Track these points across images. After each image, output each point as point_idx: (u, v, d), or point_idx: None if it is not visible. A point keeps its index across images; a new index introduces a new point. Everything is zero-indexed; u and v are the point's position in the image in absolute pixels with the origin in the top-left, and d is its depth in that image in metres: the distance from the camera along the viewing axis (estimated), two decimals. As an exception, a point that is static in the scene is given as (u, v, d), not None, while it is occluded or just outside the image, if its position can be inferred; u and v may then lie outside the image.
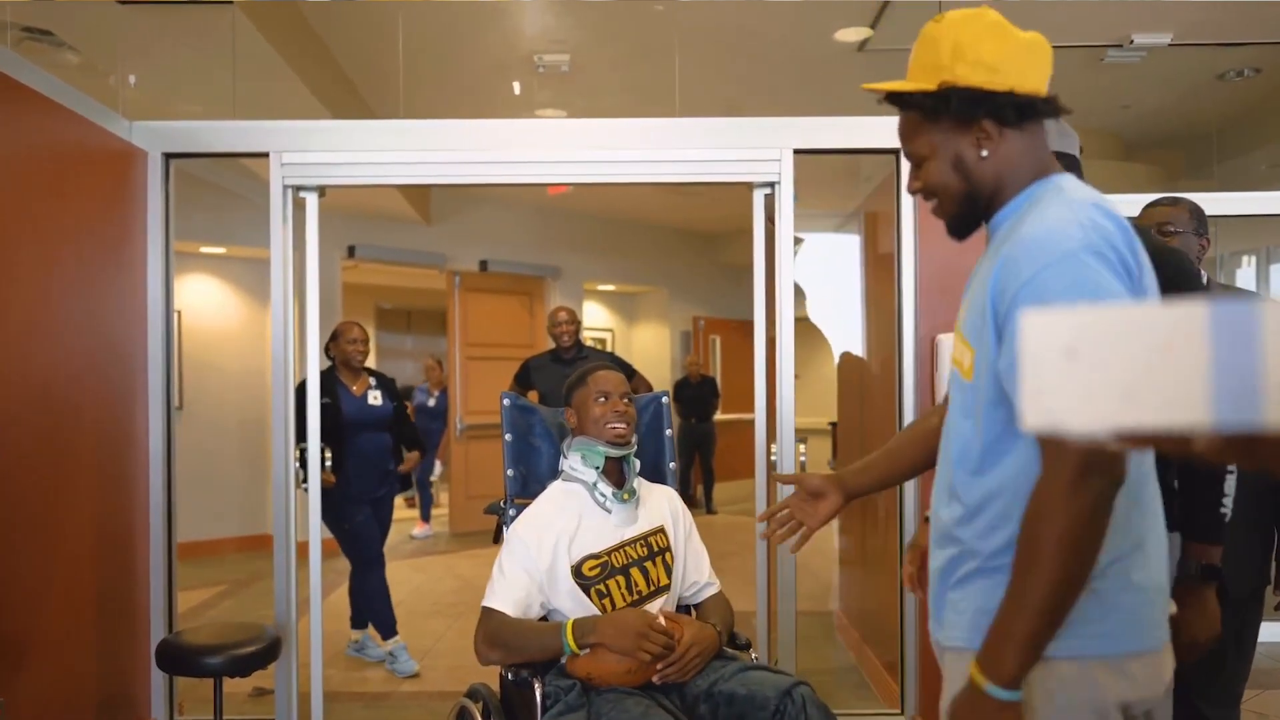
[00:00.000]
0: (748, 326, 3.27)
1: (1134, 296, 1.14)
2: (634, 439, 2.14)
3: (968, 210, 1.28)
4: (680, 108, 4.59)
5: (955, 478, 1.26)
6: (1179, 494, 1.68)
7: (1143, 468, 1.20)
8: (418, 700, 3.72)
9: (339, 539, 4.02)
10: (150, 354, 3.08)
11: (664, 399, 2.48)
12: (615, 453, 2.09)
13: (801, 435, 3.12)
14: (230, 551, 6.31)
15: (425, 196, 7.56)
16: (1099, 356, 0.43)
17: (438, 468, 8.23)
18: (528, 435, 2.36)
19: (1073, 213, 1.15)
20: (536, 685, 1.92)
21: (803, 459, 3.17)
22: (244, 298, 6.73)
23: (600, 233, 9.20)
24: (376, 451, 4.09)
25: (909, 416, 3.05)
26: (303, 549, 3.14)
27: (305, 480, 3.17)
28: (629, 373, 4.55)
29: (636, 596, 2.02)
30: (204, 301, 6.53)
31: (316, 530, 3.15)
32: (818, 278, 4.66)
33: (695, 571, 2.18)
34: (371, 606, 4.07)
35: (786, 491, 1.69)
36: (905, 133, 1.30)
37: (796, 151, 3.09)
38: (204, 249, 6.41)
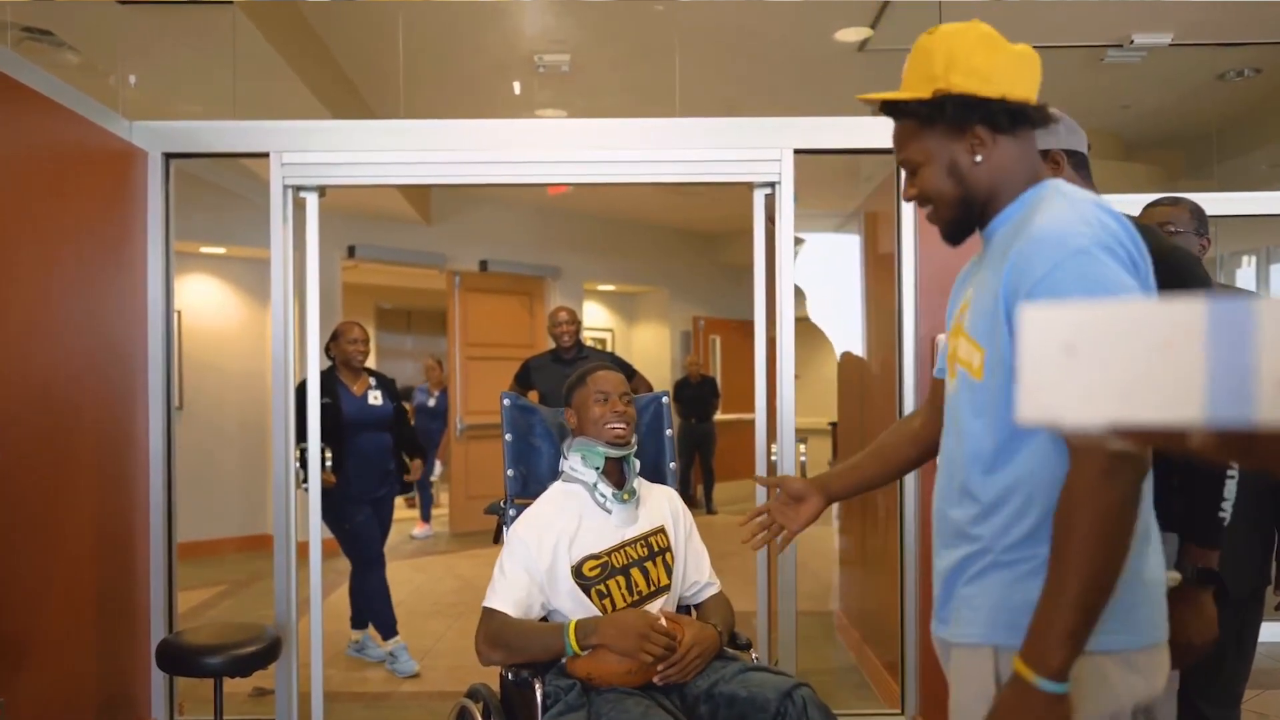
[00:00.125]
0: (748, 326, 3.27)
1: (1144, 291, 1.17)
2: (634, 439, 2.14)
3: (962, 215, 1.31)
4: (680, 108, 4.59)
5: (969, 477, 1.27)
6: (1179, 495, 1.68)
7: None
8: (418, 700, 3.72)
9: (339, 539, 4.02)
10: (150, 354, 3.08)
11: (664, 399, 2.48)
12: (615, 453, 2.09)
13: (802, 435, 3.12)
14: (230, 551, 6.31)
15: (425, 196, 7.56)
16: (1097, 353, 0.44)
17: (438, 468, 8.23)
18: (528, 435, 2.36)
19: (1078, 212, 1.18)
20: (537, 685, 1.91)
21: (803, 459, 3.17)
22: (244, 298, 6.73)
23: (600, 233, 9.20)
24: (377, 451, 4.09)
25: (909, 416, 3.05)
26: (303, 549, 3.14)
27: (305, 480, 3.17)
28: (629, 373, 4.55)
29: (637, 597, 2.02)
30: (204, 302, 6.53)
31: (317, 530, 3.15)
32: (818, 278, 4.67)
33: (696, 571, 2.18)
34: (372, 606, 4.07)
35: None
36: (900, 141, 1.33)
37: (797, 151, 3.09)
38: (204, 249, 6.41)
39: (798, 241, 3.16)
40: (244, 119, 3.33)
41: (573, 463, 2.12)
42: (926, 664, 3.04)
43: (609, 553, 2.03)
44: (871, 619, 4.01)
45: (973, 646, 1.26)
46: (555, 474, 2.25)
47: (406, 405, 5.17)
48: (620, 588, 2.01)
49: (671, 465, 2.43)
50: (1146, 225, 1.72)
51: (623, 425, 2.09)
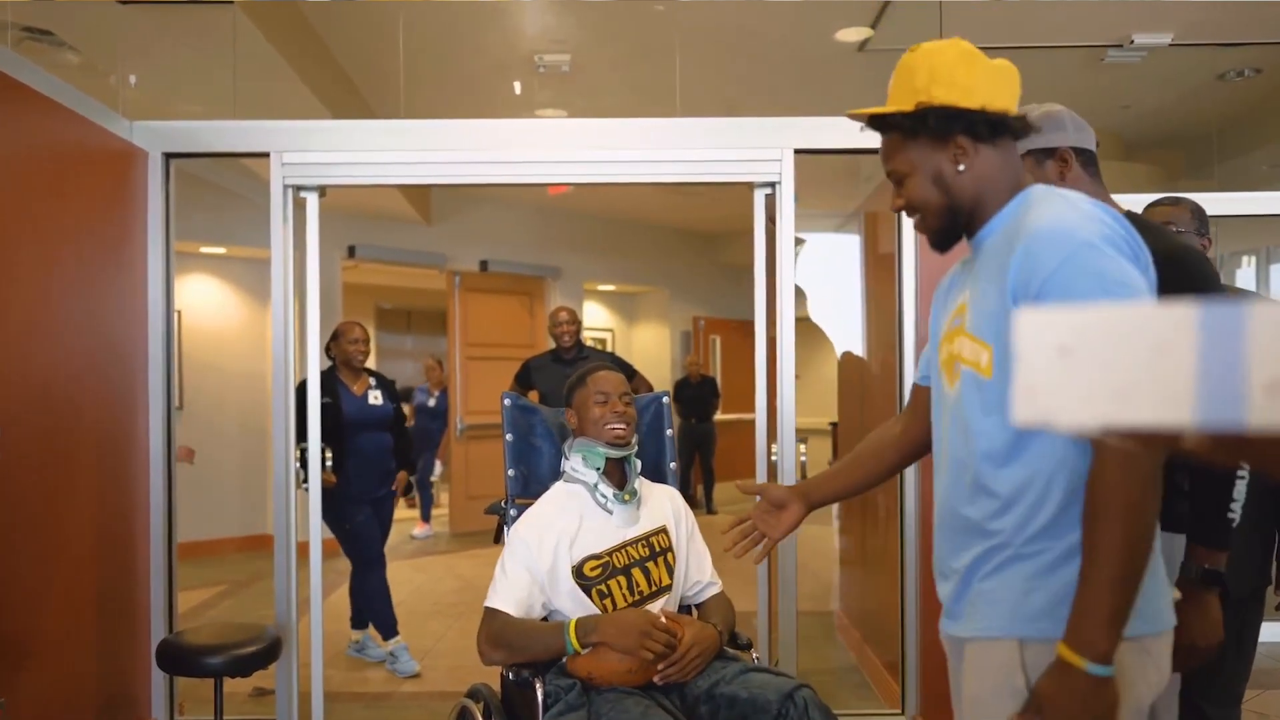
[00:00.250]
0: (748, 326, 3.27)
1: (1148, 283, 1.21)
2: (635, 439, 2.14)
3: (949, 224, 1.36)
4: (681, 108, 4.59)
5: (983, 473, 1.29)
6: (1188, 497, 1.68)
7: None
8: (418, 700, 3.72)
9: (339, 539, 4.02)
10: (151, 354, 3.07)
11: (664, 399, 2.48)
12: (615, 453, 2.09)
13: (802, 435, 3.12)
14: (230, 551, 6.31)
15: (425, 196, 7.56)
16: (1092, 355, 0.44)
17: (438, 468, 8.23)
18: (529, 435, 2.36)
19: (1079, 209, 1.23)
20: (537, 685, 1.91)
21: (803, 459, 3.17)
22: (244, 298, 6.73)
23: (600, 233, 9.20)
24: (377, 451, 4.09)
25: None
26: (303, 549, 3.14)
27: (306, 480, 3.16)
28: (629, 373, 4.55)
29: (638, 597, 2.02)
30: (204, 301, 6.53)
31: (317, 530, 3.15)
32: (818, 278, 4.67)
33: (697, 571, 2.18)
34: (372, 607, 4.07)
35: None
36: (887, 154, 1.38)
37: (797, 151, 3.09)
38: (204, 249, 6.41)
39: (798, 242, 3.16)
40: (244, 119, 3.33)
41: (574, 463, 2.12)
42: (927, 664, 3.03)
43: (610, 553, 2.03)
44: (872, 619, 4.01)
45: (993, 640, 1.28)
46: (556, 474, 2.25)
47: (406, 406, 5.17)
48: (621, 588, 2.01)
49: (672, 465, 2.43)
50: (1152, 224, 1.72)
51: (623, 426, 2.09)
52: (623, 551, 2.05)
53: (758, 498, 1.71)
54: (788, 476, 3.04)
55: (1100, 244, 1.17)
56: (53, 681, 2.57)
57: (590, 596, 1.99)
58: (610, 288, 10.27)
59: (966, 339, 1.30)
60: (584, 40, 4.84)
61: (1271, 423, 0.40)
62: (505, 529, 2.24)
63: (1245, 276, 5.83)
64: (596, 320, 10.30)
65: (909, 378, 3.08)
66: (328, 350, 4.07)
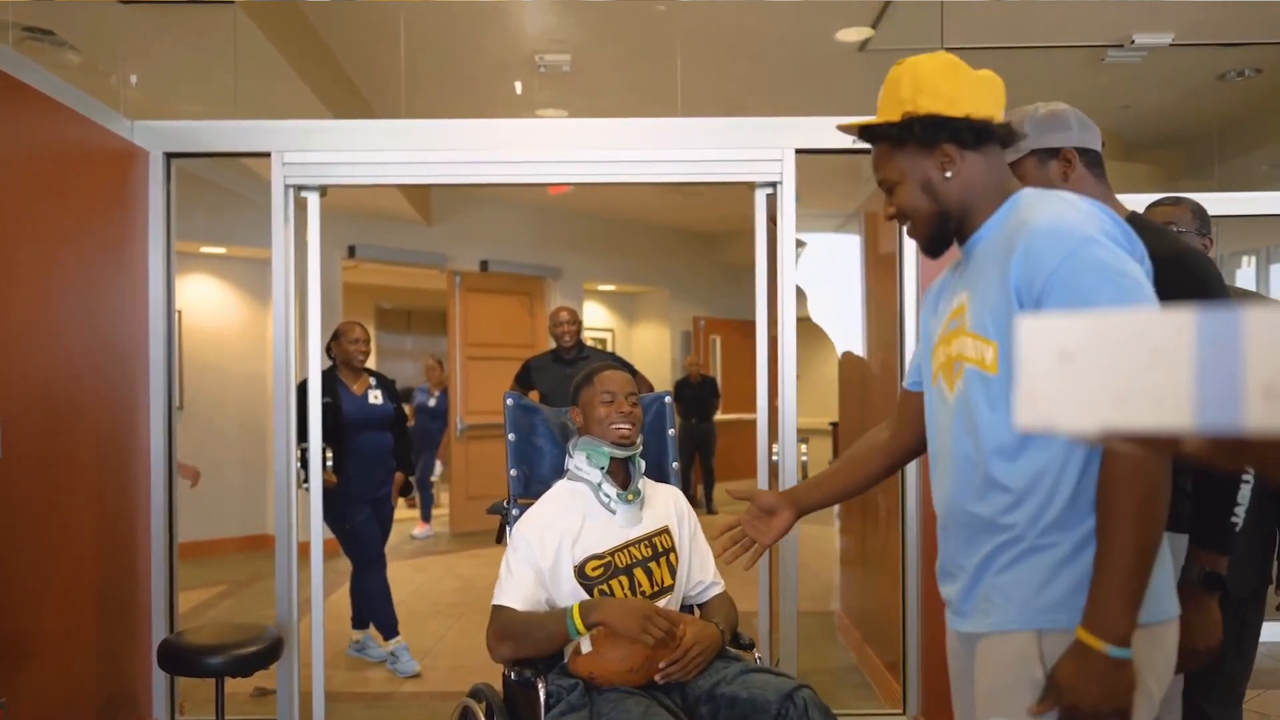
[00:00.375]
0: (748, 327, 3.27)
1: (1146, 277, 1.24)
2: (639, 440, 2.13)
3: (939, 230, 1.40)
4: (682, 108, 4.60)
5: (993, 468, 1.31)
6: (1192, 499, 1.67)
7: None
8: (419, 700, 3.72)
9: (340, 539, 4.02)
10: (152, 354, 3.07)
11: (667, 399, 2.48)
12: (620, 453, 2.10)
13: (803, 435, 3.12)
14: (230, 551, 6.31)
15: (426, 196, 7.56)
16: (1092, 360, 0.45)
17: (438, 468, 8.23)
18: (530, 435, 2.36)
19: (1076, 207, 1.26)
20: (540, 685, 1.91)
21: (804, 459, 3.17)
22: (244, 298, 6.73)
23: (601, 233, 9.21)
24: (377, 451, 4.09)
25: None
26: (304, 549, 3.13)
27: (306, 480, 3.16)
28: (630, 373, 4.55)
29: (640, 597, 2.02)
30: (204, 302, 6.53)
31: (318, 530, 3.15)
32: (818, 278, 4.67)
33: (700, 571, 2.18)
34: (372, 607, 4.07)
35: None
36: (877, 164, 1.43)
37: (799, 151, 3.09)
38: (204, 249, 6.41)
39: (799, 245, 3.16)
40: (245, 118, 3.33)
41: (578, 461, 2.12)
42: (929, 663, 3.03)
43: (612, 553, 2.03)
44: (872, 619, 4.01)
45: (1009, 633, 1.29)
46: (557, 474, 2.25)
47: (406, 406, 5.17)
48: (623, 588, 2.01)
49: (674, 465, 2.43)
50: (1154, 224, 1.72)
51: (628, 426, 2.09)
52: (625, 551, 2.05)
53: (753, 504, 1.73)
54: (789, 476, 3.04)
55: (1100, 238, 1.21)
56: (53, 681, 2.57)
57: (592, 596, 1.99)
58: (610, 288, 10.27)
59: (969, 338, 1.32)
60: (585, 40, 4.84)
61: (1270, 426, 0.40)
62: (507, 529, 2.24)
63: (1245, 276, 5.83)
64: (597, 320, 10.30)
65: (910, 378, 3.08)
66: (328, 350, 4.08)
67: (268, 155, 3.08)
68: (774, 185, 3.12)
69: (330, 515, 3.66)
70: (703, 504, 8.56)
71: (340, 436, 3.86)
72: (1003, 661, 1.30)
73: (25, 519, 2.44)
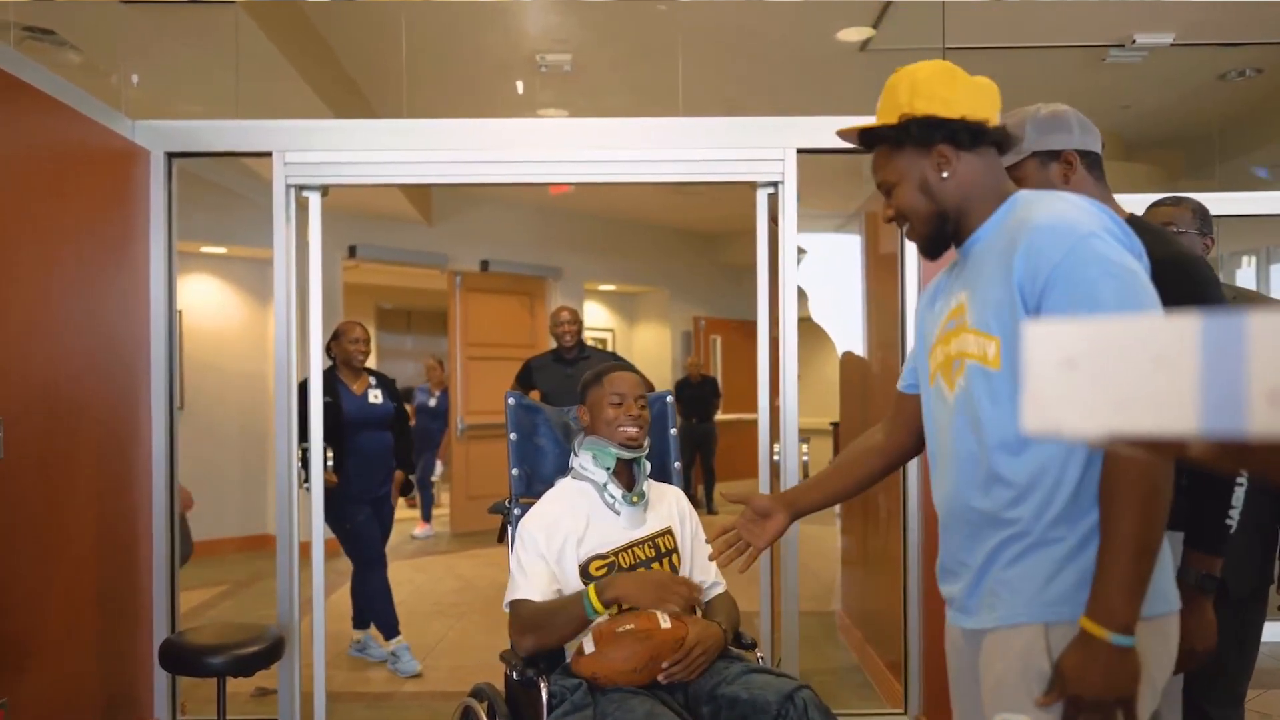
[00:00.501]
0: (748, 327, 3.27)
1: (1145, 272, 1.26)
2: (646, 442, 2.13)
3: (936, 230, 1.42)
4: (683, 108, 4.59)
5: (997, 463, 1.32)
6: (1187, 499, 1.67)
7: None
8: (420, 700, 3.72)
9: (340, 539, 4.02)
10: (153, 354, 3.07)
11: (668, 399, 2.48)
12: (627, 455, 2.09)
13: (804, 435, 3.12)
14: (231, 551, 6.31)
15: (426, 196, 7.56)
16: (1096, 366, 0.45)
17: (438, 468, 8.24)
18: (532, 435, 2.36)
19: (1076, 206, 1.29)
20: (542, 684, 1.91)
21: (805, 459, 3.17)
22: (245, 298, 6.73)
23: (601, 233, 9.20)
24: (378, 451, 4.09)
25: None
26: (304, 549, 3.13)
27: (307, 480, 3.16)
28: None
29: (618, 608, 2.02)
30: (205, 301, 6.53)
31: (319, 530, 3.15)
32: (819, 278, 4.67)
33: (702, 571, 2.18)
34: (373, 606, 4.07)
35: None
36: (876, 166, 1.46)
37: (800, 151, 3.09)
38: (205, 249, 6.41)
39: (801, 253, 3.16)
40: (246, 118, 3.33)
41: (583, 460, 2.12)
42: (930, 663, 3.04)
43: (616, 553, 2.03)
44: (873, 619, 4.01)
45: (1016, 627, 1.30)
46: (559, 473, 2.25)
47: (407, 406, 5.16)
48: None
49: (676, 465, 2.43)
50: (1153, 227, 1.72)
51: (636, 429, 2.09)
52: (629, 552, 2.05)
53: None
54: (791, 476, 3.04)
55: (1101, 233, 1.23)
56: (54, 681, 2.57)
57: None
58: (611, 288, 10.27)
59: (970, 335, 1.33)
60: (586, 40, 4.84)
61: (1274, 431, 0.41)
62: (509, 528, 2.24)
63: (1245, 276, 5.83)
64: (597, 320, 10.30)
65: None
66: (328, 350, 4.08)
67: (269, 155, 3.08)
68: (775, 185, 3.12)
69: (331, 515, 3.66)
70: (703, 504, 8.56)
71: (340, 436, 3.86)
72: (1010, 655, 1.30)
73: (26, 519, 2.44)
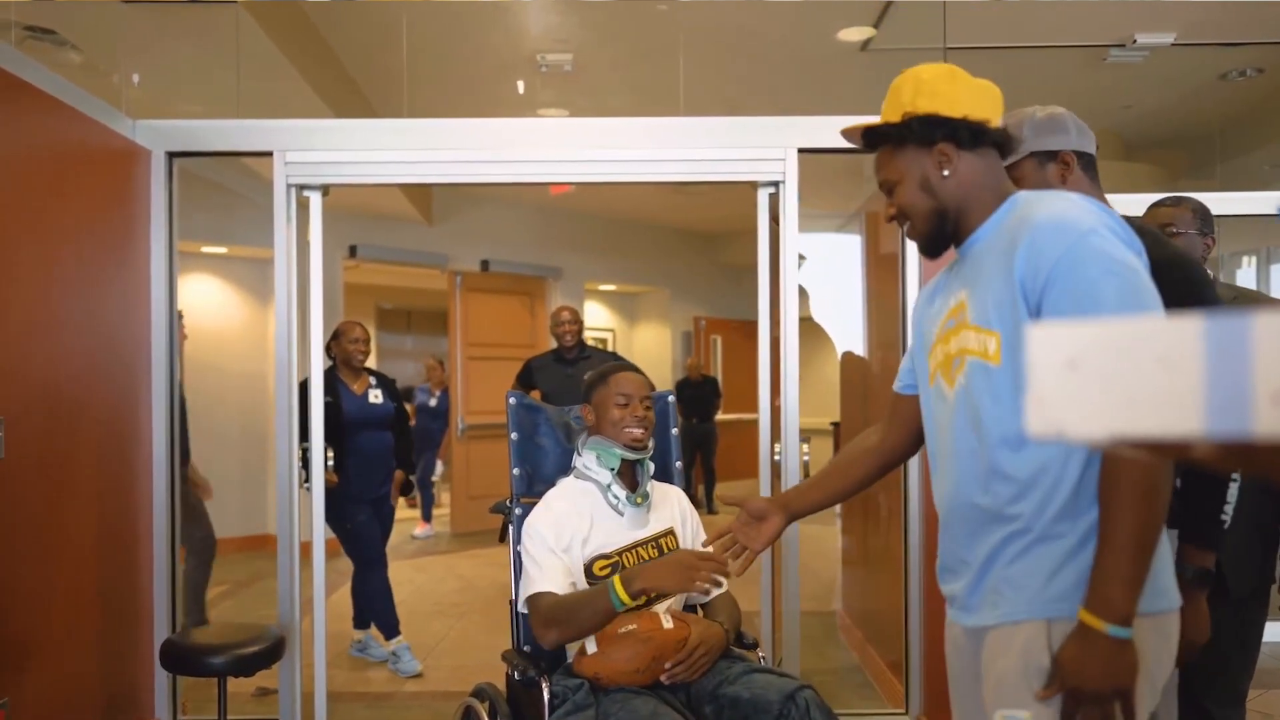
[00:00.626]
0: (749, 327, 3.27)
1: (1145, 269, 1.27)
2: (650, 443, 2.13)
3: (936, 228, 1.43)
4: (684, 107, 4.59)
5: (998, 459, 1.32)
6: (1181, 496, 1.68)
7: None
8: (420, 700, 3.72)
9: (340, 539, 4.02)
10: (154, 354, 3.07)
11: (670, 398, 2.48)
12: (632, 456, 2.09)
13: (804, 435, 3.12)
14: (231, 551, 6.30)
15: (427, 196, 7.56)
16: (1099, 368, 0.45)
17: (439, 468, 8.23)
18: (534, 434, 2.35)
19: (1077, 204, 1.30)
20: (544, 685, 1.91)
21: (805, 458, 3.17)
22: (245, 298, 6.73)
23: (601, 233, 9.20)
24: (378, 451, 4.09)
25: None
26: (305, 549, 3.13)
27: (308, 480, 3.16)
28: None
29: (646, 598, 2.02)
30: (205, 302, 6.53)
31: (320, 530, 3.15)
32: (819, 278, 4.67)
33: (703, 571, 2.18)
34: (374, 606, 4.07)
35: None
36: (879, 165, 1.48)
37: (801, 150, 3.09)
38: (205, 249, 6.41)
39: (800, 259, 3.16)
40: (247, 118, 3.33)
41: (587, 460, 2.12)
42: (931, 663, 3.03)
43: (620, 553, 2.03)
44: (874, 618, 4.01)
45: (1018, 624, 1.30)
46: (560, 472, 2.25)
47: (407, 405, 5.16)
48: None
49: (677, 464, 2.43)
50: (1150, 229, 1.73)
51: (641, 430, 2.09)
52: (632, 552, 2.05)
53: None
54: (792, 476, 3.04)
55: (1101, 229, 1.25)
56: (55, 681, 2.56)
57: None
58: (611, 288, 10.27)
59: (971, 331, 1.34)
60: (586, 40, 4.84)
61: (1278, 431, 0.41)
62: (510, 528, 2.24)
63: (1245, 276, 5.82)
64: (597, 320, 10.30)
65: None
66: (328, 349, 4.07)
67: (270, 155, 3.08)
68: (776, 184, 3.12)
69: (331, 515, 3.66)
70: (704, 504, 8.56)
71: (341, 436, 3.86)
72: (1012, 652, 1.30)
73: (27, 519, 2.44)
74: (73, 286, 2.69)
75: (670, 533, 2.12)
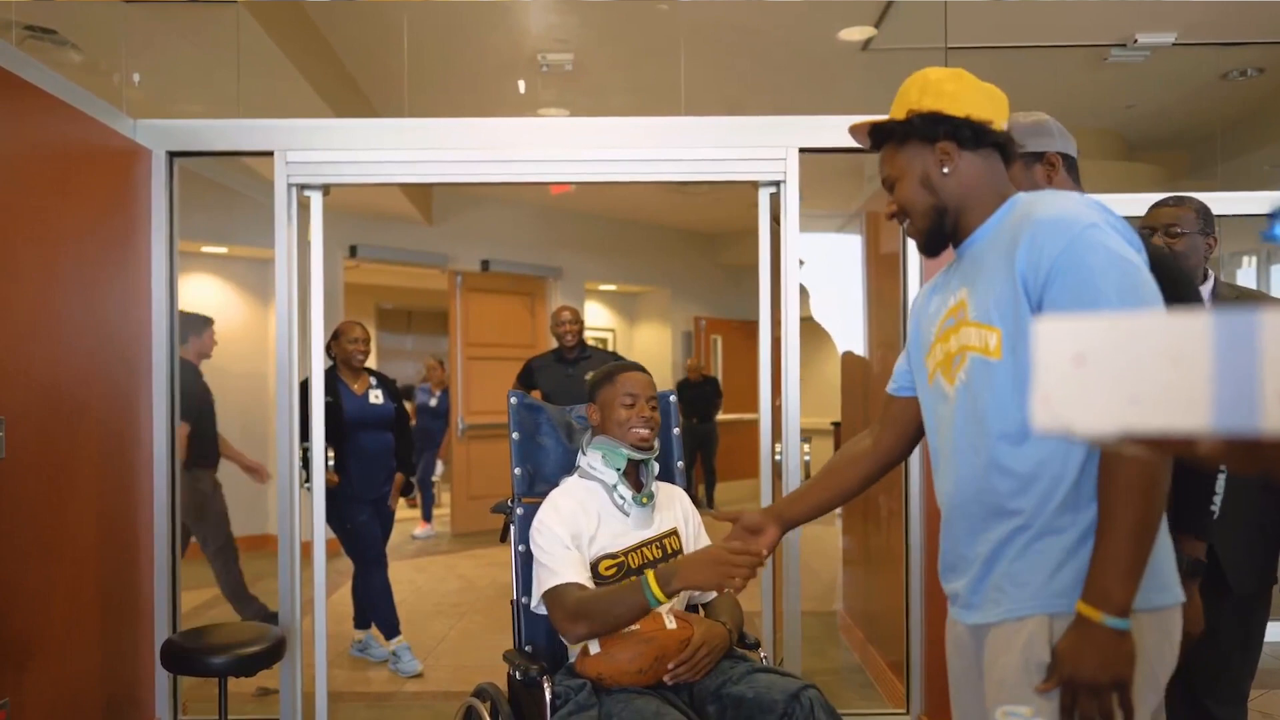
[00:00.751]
0: (749, 327, 3.27)
1: (1146, 264, 1.28)
2: (656, 443, 2.13)
3: (935, 225, 1.44)
4: (685, 107, 4.59)
5: (1000, 453, 1.33)
6: (1171, 489, 1.69)
7: None
8: (421, 700, 3.72)
9: (341, 539, 4.02)
10: (155, 354, 3.07)
11: (671, 398, 2.48)
12: (638, 456, 2.09)
13: (805, 435, 3.11)
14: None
15: (427, 196, 7.55)
16: (1106, 363, 0.45)
17: (439, 468, 8.23)
18: (535, 434, 2.35)
19: (1076, 201, 1.31)
20: (546, 685, 1.91)
21: (806, 458, 3.17)
22: (245, 297, 6.72)
23: (602, 233, 9.20)
24: (379, 451, 4.09)
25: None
26: (305, 549, 3.13)
27: (308, 480, 3.16)
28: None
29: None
30: (205, 301, 6.51)
31: (321, 530, 3.14)
32: (820, 277, 4.67)
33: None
34: (374, 606, 4.07)
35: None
36: (882, 162, 1.50)
37: (802, 150, 3.09)
38: (205, 249, 6.41)
39: (800, 264, 3.16)
40: (248, 117, 3.32)
41: (592, 459, 2.11)
42: (932, 663, 3.03)
43: (625, 553, 2.03)
44: (875, 618, 4.00)
45: (1021, 620, 1.31)
46: (562, 472, 2.25)
47: (408, 404, 5.16)
48: None
49: (679, 464, 2.42)
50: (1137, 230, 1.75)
51: (648, 430, 2.08)
52: (637, 552, 2.04)
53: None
54: (792, 476, 3.04)
55: (1101, 224, 1.26)
56: (56, 681, 2.56)
57: None
58: (611, 287, 10.27)
59: (972, 328, 1.35)
60: (587, 39, 4.83)
61: None
62: (512, 528, 2.24)
63: (1246, 276, 5.82)
64: (598, 320, 10.29)
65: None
66: (328, 349, 4.07)
67: (270, 154, 3.08)
68: (777, 184, 3.12)
69: (331, 515, 3.66)
70: (704, 503, 8.56)
71: (341, 436, 3.85)
72: (1015, 648, 1.30)
73: (28, 518, 2.44)
74: (73, 286, 2.69)
75: (674, 533, 2.12)
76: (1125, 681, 1.21)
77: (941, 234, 1.45)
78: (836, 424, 5.08)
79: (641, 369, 2.18)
